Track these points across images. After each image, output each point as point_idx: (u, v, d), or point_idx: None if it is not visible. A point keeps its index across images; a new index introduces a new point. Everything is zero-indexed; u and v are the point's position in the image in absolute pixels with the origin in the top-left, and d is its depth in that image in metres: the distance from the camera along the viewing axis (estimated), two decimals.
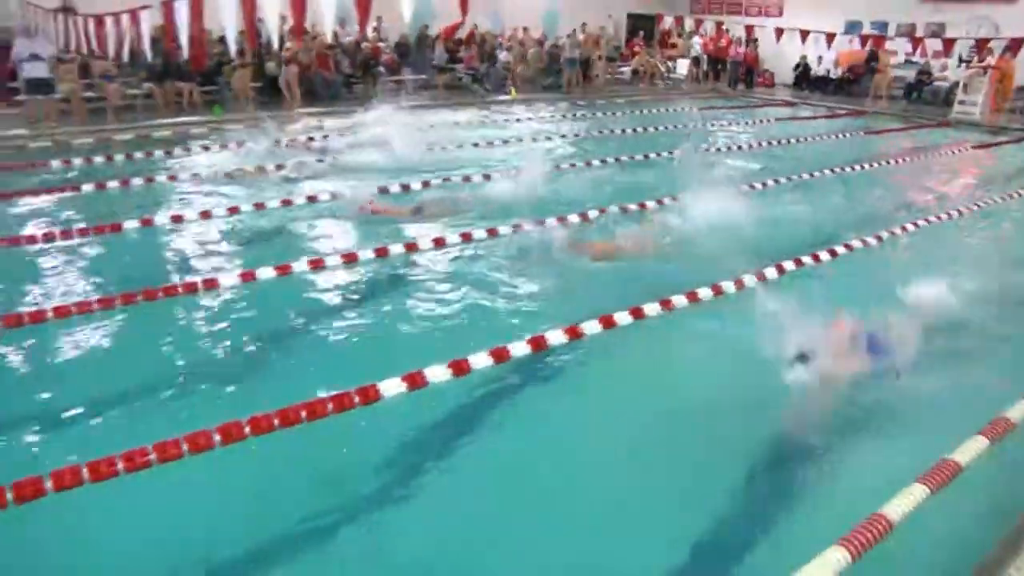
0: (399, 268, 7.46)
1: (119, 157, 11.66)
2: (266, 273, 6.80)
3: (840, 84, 23.44)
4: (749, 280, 6.89)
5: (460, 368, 5.07)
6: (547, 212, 8.72)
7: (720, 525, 4.08)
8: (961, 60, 21.10)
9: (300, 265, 7.06)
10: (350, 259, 7.37)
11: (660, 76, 24.45)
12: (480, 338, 5.58)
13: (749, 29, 23.99)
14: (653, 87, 23.60)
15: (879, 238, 8.43)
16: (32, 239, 7.79)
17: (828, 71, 24.14)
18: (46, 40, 14.73)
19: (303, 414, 4.40)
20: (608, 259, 7.55)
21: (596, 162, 12.27)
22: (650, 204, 9.37)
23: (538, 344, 5.54)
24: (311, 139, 13.30)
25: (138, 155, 11.85)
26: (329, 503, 4.16)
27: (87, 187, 9.74)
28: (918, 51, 21.49)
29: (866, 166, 12.76)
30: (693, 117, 18.25)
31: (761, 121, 18.19)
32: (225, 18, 13.72)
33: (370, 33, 20.08)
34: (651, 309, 6.14)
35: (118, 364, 5.52)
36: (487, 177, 10.81)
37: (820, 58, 23.94)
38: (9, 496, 3.62)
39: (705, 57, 25.18)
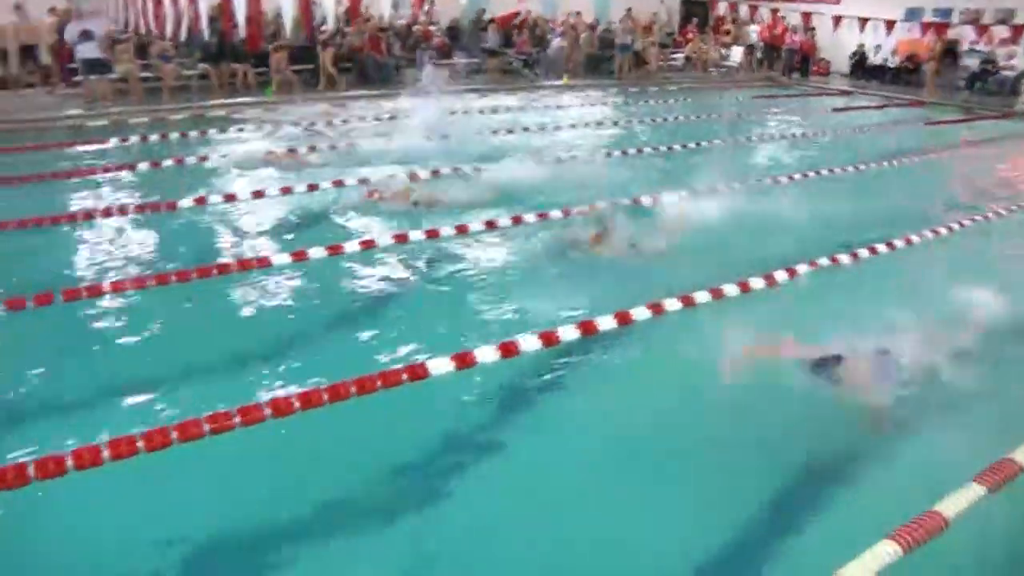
0: (447, 250, 7.48)
1: (174, 136, 11.89)
2: (317, 253, 6.89)
3: (898, 73, 22.84)
4: (802, 269, 6.82)
5: (508, 350, 5.09)
6: (593, 199, 8.69)
7: (770, 515, 4.04)
8: None
9: (352, 245, 7.12)
10: (401, 239, 7.41)
11: (713, 63, 24.10)
12: (527, 322, 5.58)
13: (806, 16, 23.50)
14: (706, 74, 23.27)
15: (936, 232, 8.26)
16: (90, 215, 7.99)
17: (886, 60, 23.54)
18: (102, 20, 14.88)
19: (352, 389, 4.46)
20: (645, 252, 7.43)
21: (648, 150, 12.16)
22: (700, 189, 9.25)
23: (588, 329, 5.52)
24: (336, 121, 13.35)
25: (193, 134, 12.09)
26: (375, 475, 4.21)
27: (143, 166, 9.94)
28: (983, 39, 20.82)
29: (924, 157, 12.44)
30: (746, 105, 17.97)
31: (816, 110, 17.85)
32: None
33: (421, 16, 20.12)
34: (702, 297, 6.11)
35: (172, 339, 5.62)
36: (535, 161, 10.78)
37: (877, 46, 23.36)
38: (69, 463, 3.75)
39: (760, 45, 24.75)
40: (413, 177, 9.60)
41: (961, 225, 8.60)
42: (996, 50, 21.15)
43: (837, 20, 22.18)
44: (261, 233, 7.91)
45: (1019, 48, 20.52)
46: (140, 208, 8.17)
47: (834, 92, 21.20)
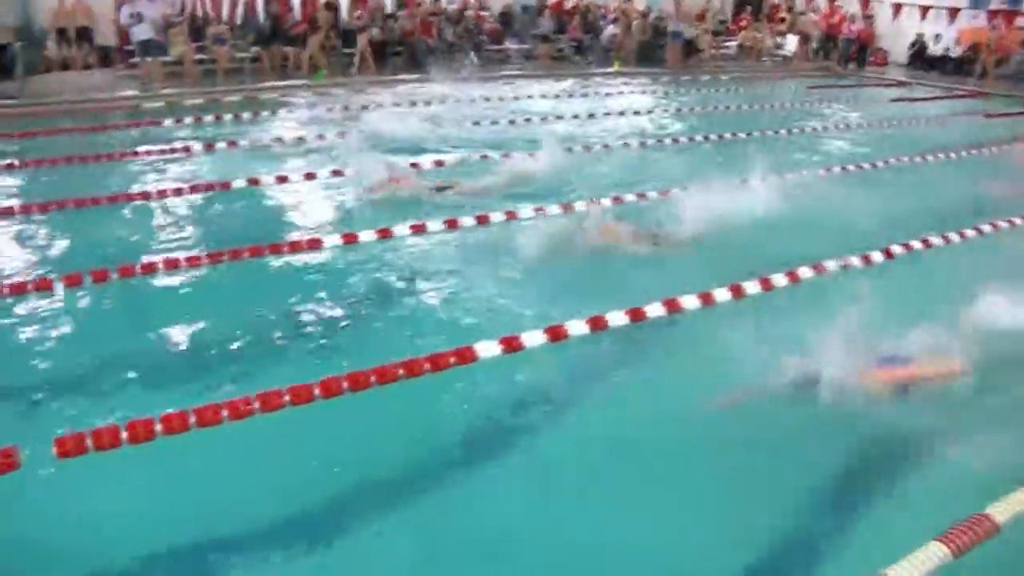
0: (496, 234, 7.47)
1: (227, 117, 12.07)
2: (368, 236, 6.95)
3: (960, 64, 22.18)
4: (856, 262, 6.77)
5: (556, 334, 5.11)
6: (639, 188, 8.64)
7: (818, 513, 4.02)
8: None
9: (402, 229, 7.18)
10: (452, 225, 7.43)
11: (767, 52, 23.69)
12: (574, 306, 5.58)
13: (864, 4, 22.96)
14: (760, 63, 22.89)
15: (995, 225, 8.09)
16: (145, 195, 8.16)
17: (947, 49, 22.88)
18: (157, 3, 15.04)
19: (400, 372, 4.51)
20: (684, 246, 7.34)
21: (699, 138, 12.03)
22: (754, 182, 9.10)
23: (636, 315, 5.53)
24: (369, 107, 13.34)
25: (246, 115, 12.29)
26: (420, 456, 4.26)
27: (196, 146, 10.13)
28: None
29: (983, 151, 12.13)
30: (800, 95, 17.65)
31: (873, 101, 17.47)
32: None
33: (472, 1, 20.10)
34: (750, 286, 6.10)
35: (226, 317, 5.71)
36: (587, 149, 10.79)
37: (938, 36, 22.72)
38: (124, 435, 3.89)
39: (816, 33, 24.25)
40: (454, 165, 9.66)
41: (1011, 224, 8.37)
42: None
43: (897, 8, 21.63)
44: (310, 214, 8.01)
45: None
46: (194, 188, 8.32)
47: (892, 83, 20.71)
